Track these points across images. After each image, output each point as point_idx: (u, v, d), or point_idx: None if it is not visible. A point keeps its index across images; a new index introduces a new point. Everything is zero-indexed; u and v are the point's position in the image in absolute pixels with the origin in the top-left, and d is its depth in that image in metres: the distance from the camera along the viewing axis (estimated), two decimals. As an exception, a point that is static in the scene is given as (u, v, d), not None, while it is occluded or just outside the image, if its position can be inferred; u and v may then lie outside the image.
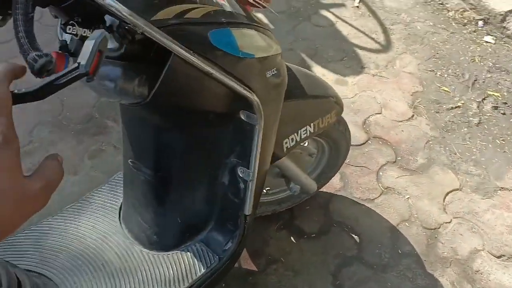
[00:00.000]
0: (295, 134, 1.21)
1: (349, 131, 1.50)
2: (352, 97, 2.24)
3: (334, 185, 1.82)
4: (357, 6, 2.89)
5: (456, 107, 2.23)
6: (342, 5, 2.90)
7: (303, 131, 1.23)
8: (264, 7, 1.05)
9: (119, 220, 1.24)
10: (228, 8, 0.90)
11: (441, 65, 2.48)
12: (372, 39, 2.64)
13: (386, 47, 2.60)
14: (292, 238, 1.66)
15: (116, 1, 0.68)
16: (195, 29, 0.80)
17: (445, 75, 2.41)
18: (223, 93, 0.90)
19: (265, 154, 1.06)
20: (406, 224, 1.72)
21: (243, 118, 0.97)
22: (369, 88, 2.31)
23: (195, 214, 1.14)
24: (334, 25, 2.73)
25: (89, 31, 0.77)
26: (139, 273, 1.09)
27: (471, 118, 2.17)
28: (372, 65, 2.46)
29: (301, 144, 1.44)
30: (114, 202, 1.29)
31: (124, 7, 0.69)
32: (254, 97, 0.92)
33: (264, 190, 1.58)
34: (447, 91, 2.32)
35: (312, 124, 1.25)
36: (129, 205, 1.20)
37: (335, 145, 1.49)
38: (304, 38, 2.61)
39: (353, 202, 1.78)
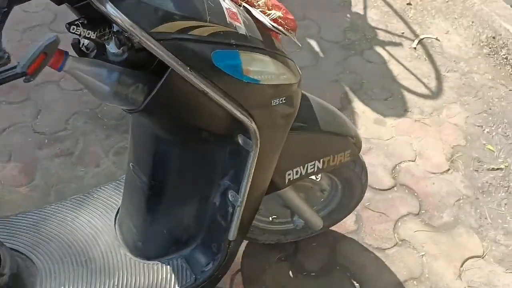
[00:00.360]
0: (301, 167, 1.18)
1: (367, 174, 1.44)
2: (387, 140, 2.16)
3: (347, 226, 1.75)
4: (415, 48, 2.81)
5: (498, 168, 2.09)
6: (399, 44, 2.82)
7: (311, 165, 1.20)
8: (286, 34, 1.03)
9: (115, 220, 1.25)
10: (242, 31, 0.89)
11: (491, 121, 2.34)
12: (423, 83, 2.54)
13: (435, 93, 2.49)
14: (290, 272, 1.60)
15: (118, 10, 0.70)
16: (197, 46, 0.80)
17: (493, 133, 2.27)
18: (221, 114, 0.89)
19: (260, 181, 1.03)
20: (414, 282, 1.61)
21: (240, 142, 0.96)
22: (408, 133, 2.22)
23: (182, 229, 1.13)
24: (386, 63, 2.66)
25: (93, 33, 0.79)
26: (116, 277, 1.09)
27: (512, 184, 2.03)
28: (417, 110, 2.36)
29: (312, 178, 1.40)
30: (115, 201, 1.31)
31: (124, 16, 0.70)
32: (251, 124, 0.90)
33: (270, 218, 1.54)
34: (491, 150, 2.18)
35: (321, 160, 1.21)
36: (125, 207, 1.21)
37: (348, 186, 1.44)
38: (352, 72, 2.56)
39: (363, 248, 1.70)
